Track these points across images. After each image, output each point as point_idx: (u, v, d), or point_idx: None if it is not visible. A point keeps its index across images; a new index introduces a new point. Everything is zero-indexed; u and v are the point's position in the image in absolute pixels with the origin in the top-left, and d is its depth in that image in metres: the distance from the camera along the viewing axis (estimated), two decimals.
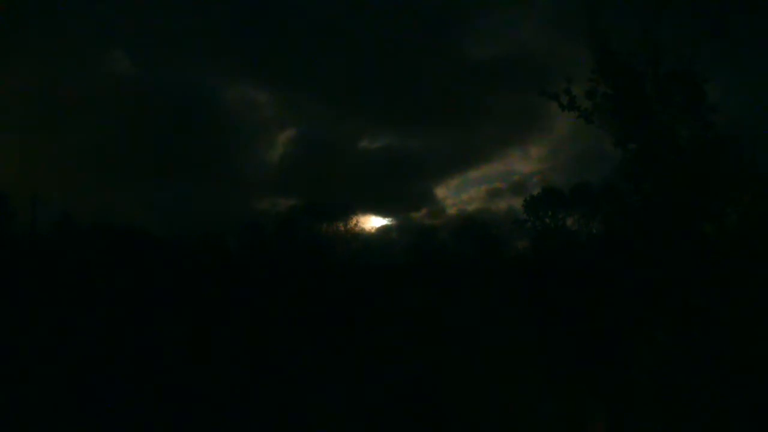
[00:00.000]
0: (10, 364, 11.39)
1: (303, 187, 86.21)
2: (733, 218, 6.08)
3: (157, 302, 20.59)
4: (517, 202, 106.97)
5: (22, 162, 63.69)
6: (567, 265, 27.45)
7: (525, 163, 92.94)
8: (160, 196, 66.70)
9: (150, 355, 13.01)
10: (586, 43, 6.18)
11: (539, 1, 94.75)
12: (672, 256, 6.15)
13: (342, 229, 37.97)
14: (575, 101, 6.05)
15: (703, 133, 6.21)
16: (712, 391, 5.84)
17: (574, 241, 34.96)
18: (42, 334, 14.17)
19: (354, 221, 38.29)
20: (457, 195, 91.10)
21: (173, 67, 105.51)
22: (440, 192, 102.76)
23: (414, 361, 12.58)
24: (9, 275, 20.81)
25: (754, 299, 5.74)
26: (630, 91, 6.21)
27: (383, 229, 48.46)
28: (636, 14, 6.47)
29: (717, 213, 6.09)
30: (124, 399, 9.49)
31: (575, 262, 27.40)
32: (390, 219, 59.83)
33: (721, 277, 5.87)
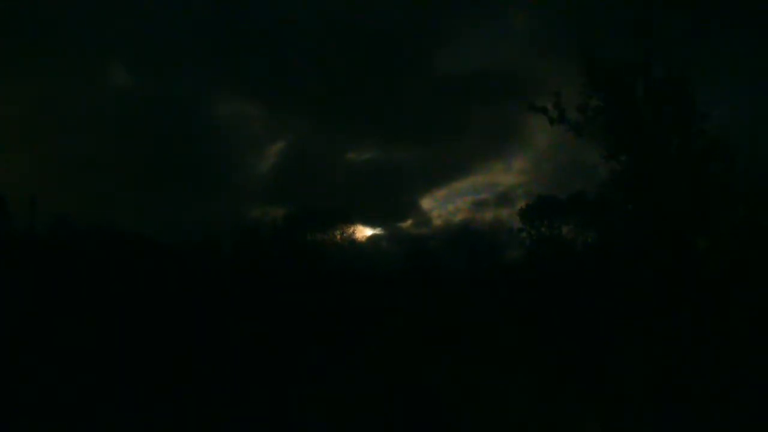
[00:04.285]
0: (7, 364, 11.40)
1: (292, 198, 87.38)
2: (726, 231, 6.15)
3: (153, 304, 20.56)
4: (503, 213, 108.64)
5: (22, 166, 63.93)
6: (563, 273, 27.53)
7: (508, 175, 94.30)
8: (155, 203, 66.88)
9: (146, 357, 13.01)
10: (576, 57, 6.30)
11: (517, 20, 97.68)
12: (663, 268, 6.25)
13: (338, 236, 38.17)
14: (565, 114, 6.17)
15: (695, 141, 6.31)
16: (704, 395, 5.94)
17: (570, 250, 35.07)
18: (39, 335, 14.17)
19: (351, 229, 38.62)
20: (444, 206, 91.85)
21: (169, 80, 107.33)
22: (426, 203, 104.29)
23: (411, 366, 12.64)
24: (7, 276, 20.80)
25: (745, 309, 5.83)
26: (621, 102, 6.31)
27: (373, 239, 48.72)
28: (625, 25, 6.60)
29: (711, 226, 6.17)
30: (119, 401, 9.52)
31: (571, 270, 27.48)
32: (378, 229, 59.96)
33: (712, 287, 5.96)
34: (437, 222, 72.07)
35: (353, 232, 38.95)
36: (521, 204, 40.21)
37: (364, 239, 42.01)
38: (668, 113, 6.53)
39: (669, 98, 6.47)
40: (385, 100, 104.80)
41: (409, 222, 72.45)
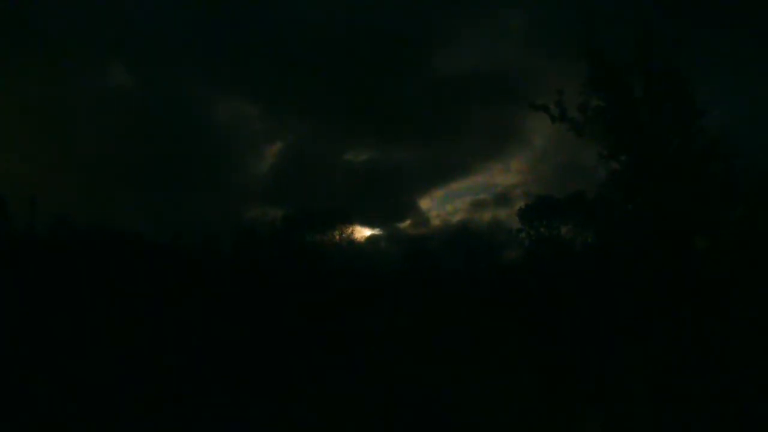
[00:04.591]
0: (7, 364, 11.39)
1: (291, 198, 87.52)
2: (726, 231, 6.17)
3: (153, 305, 20.57)
4: (502, 213, 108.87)
5: (22, 166, 63.98)
6: (562, 274, 27.55)
7: (506, 175, 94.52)
8: (154, 203, 66.89)
9: (145, 357, 13.01)
10: (575, 57, 6.31)
11: (515, 20, 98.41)
12: (663, 268, 6.26)
13: (337, 237, 38.21)
14: (566, 113, 6.18)
15: (694, 139, 6.32)
16: (702, 395, 5.96)
17: (569, 250, 35.10)
18: (39, 334, 14.16)
19: (350, 229, 38.68)
20: (442, 206, 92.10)
21: (169, 80, 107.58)
22: (424, 203, 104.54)
23: (410, 366, 12.65)
24: (7, 276, 20.80)
25: (745, 309, 5.85)
26: (621, 102, 6.33)
27: (372, 239, 48.74)
28: (625, 24, 6.62)
29: (711, 226, 6.19)
30: (119, 401, 9.52)
31: (570, 271, 27.51)
32: (376, 229, 60.07)
33: (712, 287, 5.98)
34: (436, 222, 72.18)
35: (352, 233, 39.06)
36: (520, 204, 40.31)
37: (363, 239, 42.14)
38: (668, 112, 6.55)
39: (669, 97, 6.48)
40: (384, 101, 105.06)
41: (407, 222, 72.53)
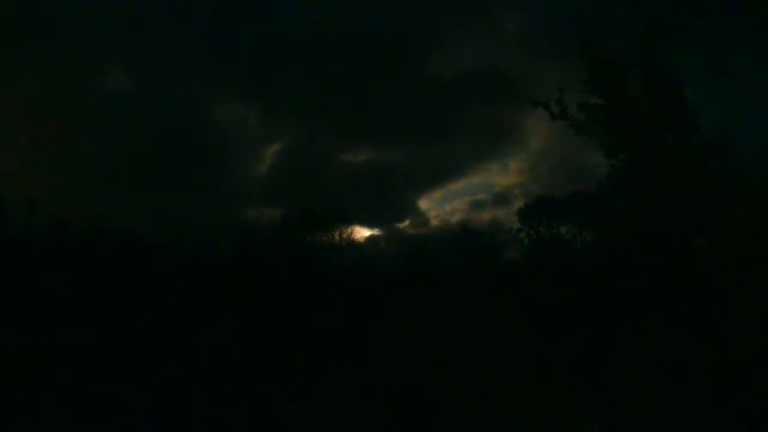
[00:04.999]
0: (6, 364, 11.37)
1: (290, 199, 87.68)
2: (724, 230, 6.15)
3: (152, 305, 20.55)
4: (500, 213, 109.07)
5: (20, 168, 64.12)
6: (561, 274, 27.54)
7: (505, 175, 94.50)
8: (152, 205, 66.86)
9: (144, 357, 12.99)
10: (573, 55, 6.27)
11: (511, 21, 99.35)
12: (662, 268, 6.24)
13: (336, 237, 38.23)
14: (567, 111, 6.15)
15: (692, 139, 6.30)
16: (703, 399, 5.93)
17: (569, 250, 35.10)
18: (37, 335, 14.13)
19: (349, 229, 38.70)
20: (440, 206, 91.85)
21: (167, 83, 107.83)
22: (423, 204, 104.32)
23: (409, 366, 12.63)
24: (5, 277, 20.77)
25: (744, 310, 5.84)
26: (619, 100, 6.31)
27: (371, 239, 48.65)
28: (623, 22, 6.60)
29: (709, 225, 6.17)
30: (116, 401, 9.49)
31: (569, 271, 27.49)
32: (376, 229, 60.03)
33: (710, 288, 5.96)
34: (434, 222, 72.13)
35: (351, 233, 39.09)
36: (518, 204, 40.35)
37: (362, 240, 42.16)
38: (666, 110, 6.50)
39: (667, 95, 6.44)
40: (381, 102, 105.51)
41: (406, 222, 72.43)
